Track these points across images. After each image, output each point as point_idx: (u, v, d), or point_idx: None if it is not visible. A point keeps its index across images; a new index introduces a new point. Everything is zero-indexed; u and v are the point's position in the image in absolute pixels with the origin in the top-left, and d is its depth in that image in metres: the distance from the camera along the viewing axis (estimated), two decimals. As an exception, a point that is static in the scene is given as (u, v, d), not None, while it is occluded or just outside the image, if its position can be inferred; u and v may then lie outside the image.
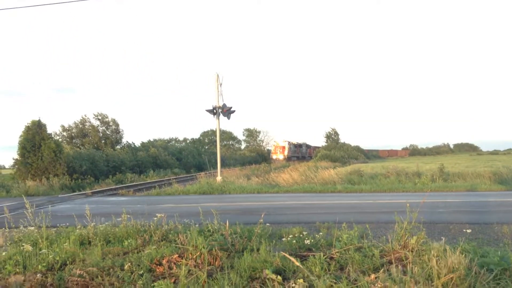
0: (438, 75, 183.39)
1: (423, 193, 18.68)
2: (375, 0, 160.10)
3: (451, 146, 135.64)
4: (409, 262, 6.02)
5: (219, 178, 26.98)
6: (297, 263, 6.07)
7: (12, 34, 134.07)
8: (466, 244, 7.37)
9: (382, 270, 5.81)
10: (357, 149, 79.80)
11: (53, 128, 55.02)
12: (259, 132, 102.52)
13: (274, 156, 71.20)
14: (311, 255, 6.65)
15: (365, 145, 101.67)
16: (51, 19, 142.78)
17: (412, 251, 6.35)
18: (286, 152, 70.77)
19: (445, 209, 13.52)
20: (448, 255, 5.99)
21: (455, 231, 9.84)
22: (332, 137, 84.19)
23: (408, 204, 7.12)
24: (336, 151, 60.96)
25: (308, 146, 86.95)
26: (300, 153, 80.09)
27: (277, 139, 77.43)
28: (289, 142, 73.25)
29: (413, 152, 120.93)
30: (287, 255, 6.43)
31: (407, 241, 6.66)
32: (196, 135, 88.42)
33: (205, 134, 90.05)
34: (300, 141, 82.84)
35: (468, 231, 9.72)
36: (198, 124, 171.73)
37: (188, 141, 78.77)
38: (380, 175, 26.40)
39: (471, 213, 12.75)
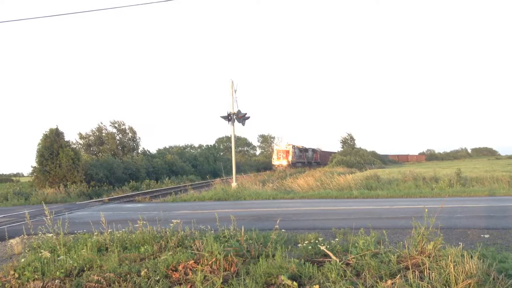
0: (455, 79, 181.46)
1: (441, 198, 18.46)
2: (395, 6, 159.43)
3: (469, 151, 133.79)
4: (426, 268, 5.97)
5: (234, 184, 27.03)
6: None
7: (30, 39, 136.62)
8: (484, 249, 7.29)
9: (398, 276, 5.77)
10: (373, 154, 78.78)
11: (70, 135, 55.83)
12: (274, 137, 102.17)
13: (276, 162, 61.59)
14: (327, 261, 6.62)
15: (381, 150, 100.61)
16: (62, 28, 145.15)
17: (429, 257, 6.30)
18: (290, 158, 61.21)
19: (463, 214, 13.35)
20: (465, 260, 5.93)
21: (473, 237, 9.71)
22: (348, 142, 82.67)
23: (426, 210, 7.05)
24: (352, 156, 60.45)
25: (314, 151, 78.28)
26: (306, 158, 71.18)
27: (280, 142, 70.18)
28: (293, 146, 63.97)
29: (430, 157, 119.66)
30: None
31: (424, 246, 6.60)
32: (211, 141, 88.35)
33: (220, 141, 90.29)
34: (306, 145, 74.72)
35: (486, 236, 9.60)
36: (213, 130, 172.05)
37: (203, 148, 78.82)
38: (397, 180, 26.19)
39: (490, 218, 12.57)
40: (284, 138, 72.89)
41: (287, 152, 61.67)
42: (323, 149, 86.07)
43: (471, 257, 6.09)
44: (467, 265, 5.86)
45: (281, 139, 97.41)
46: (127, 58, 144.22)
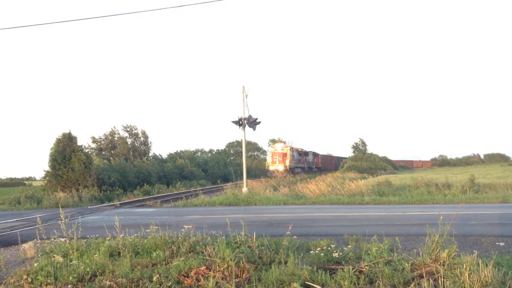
0: (468, 85, 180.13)
1: (454, 205, 18.29)
2: (411, 9, 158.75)
3: (482, 157, 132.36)
4: (440, 276, 5.91)
5: (244, 189, 26.99)
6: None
7: (43, 44, 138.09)
8: (499, 257, 7.20)
9: (412, 284, 5.73)
10: (385, 159, 77.84)
11: (83, 139, 56.28)
12: (284, 142, 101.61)
13: (271, 167, 51.92)
14: (340, 268, 6.58)
15: (393, 156, 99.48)
16: (75, 33, 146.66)
17: (443, 265, 6.23)
18: (287, 162, 51.71)
19: (477, 221, 13.20)
20: (480, 269, 5.88)
21: (488, 244, 9.59)
22: (359, 147, 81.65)
23: (441, 217, 6.98)
24: (363, 162, 60.04)
25: (315, 155, 70.41)
26: (306, 163, 62.76)
27: (276, 143, 58.88)
28: (291, 148, 55.30)
29: (442, 162, 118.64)
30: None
31: (438, 254, 6.53)
32: (222, 146, 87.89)
33: (230, 145, 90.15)
34: (306, 148, 66.78)
35: (501, 244, 9.48)
36: (224, 135, 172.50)
37: (214, 152, 78.74)
38: (409, 186, 26.00)
39: (504, 226, 12.41)
40: (295, 143, 67.41)
41: (284, 155, 52.29)
42: (325, 153, 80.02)
43: (486, 265, 6.02)
44: (482, 273, 5.81)
45: (291, 143, 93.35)
46: (139, 63, 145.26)
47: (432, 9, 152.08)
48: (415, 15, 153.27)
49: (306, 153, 63.77)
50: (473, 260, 6.15)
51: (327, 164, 75.98)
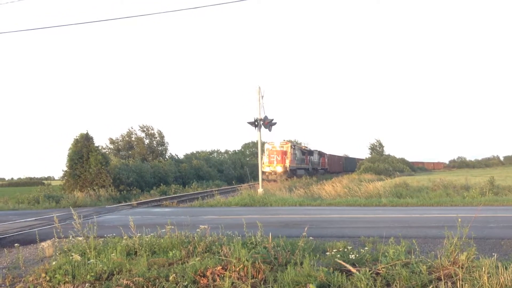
0: (487, 85, 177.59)
1: (472, 207, 18.02)
2: (430, 13, 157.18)
3: (501, 158, 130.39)
4: (458, 279, 5.84)
5: (260, 190, 26.96)
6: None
7: (61, 46, 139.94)
8: (519, 261, 7.08)
9: (430, 287, 5.65)
10: (402, 161, 76.85)
11: (101, 140, 56.87)
12: (300, 143, 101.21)
13: (267, 169, 41.27)
14: (357, 270, 6.53)
15: (411, 157, 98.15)
16: (93, 34, 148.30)
17: (462, 268, 6.15)
18: (287, 162, 42.59)
19: (496, 224, 13.01)
20: (500, 272, 5.81)
21: (507, 247, 9.43)
22: (376, 148, 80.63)
23: (460, 220, 6.88)
24: (380, 163, 59.38)
25: (321, 154, 61.52)
26: (310, 163, 53.54)
27: (273, 139, 45.66)
28: (293, 146, 46.74)
29: (461, 164, 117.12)
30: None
31: (456, 257, 6.45)
32: (238, 147, 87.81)
33: (246, 146, 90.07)
34: (312, 146, 59.65)
35: (521, 247, 9.32)
36: (240, 136, 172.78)
37: (229, 153, 78.83)
38: (426, 188, 25.72)
39: (524, 229, 12.20)
40: (311, 144, 59.96)
41: (284, 153, 43.02)
42: (332, 153, 72.23)
43: (506, 268, 5.95)
44: (502, 276, 5.72)
45: (307, 144, 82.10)
46: (156, 63, 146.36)
47: (450, 8, 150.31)
48: (434, 16, 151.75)
49: (310, 152, 55.30)
50: (492, 263, 6.07)
51: (334, 165, 70.63)
